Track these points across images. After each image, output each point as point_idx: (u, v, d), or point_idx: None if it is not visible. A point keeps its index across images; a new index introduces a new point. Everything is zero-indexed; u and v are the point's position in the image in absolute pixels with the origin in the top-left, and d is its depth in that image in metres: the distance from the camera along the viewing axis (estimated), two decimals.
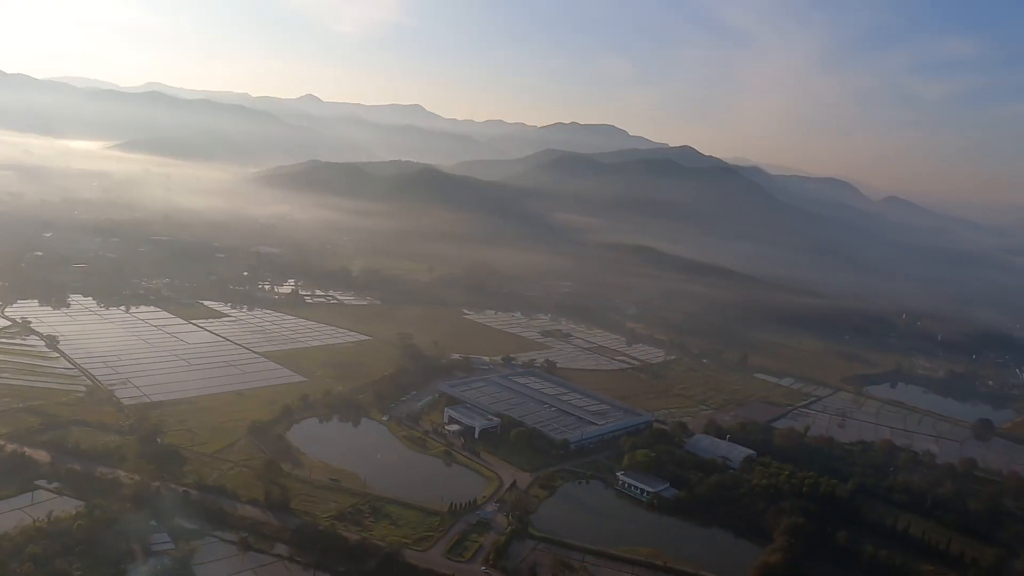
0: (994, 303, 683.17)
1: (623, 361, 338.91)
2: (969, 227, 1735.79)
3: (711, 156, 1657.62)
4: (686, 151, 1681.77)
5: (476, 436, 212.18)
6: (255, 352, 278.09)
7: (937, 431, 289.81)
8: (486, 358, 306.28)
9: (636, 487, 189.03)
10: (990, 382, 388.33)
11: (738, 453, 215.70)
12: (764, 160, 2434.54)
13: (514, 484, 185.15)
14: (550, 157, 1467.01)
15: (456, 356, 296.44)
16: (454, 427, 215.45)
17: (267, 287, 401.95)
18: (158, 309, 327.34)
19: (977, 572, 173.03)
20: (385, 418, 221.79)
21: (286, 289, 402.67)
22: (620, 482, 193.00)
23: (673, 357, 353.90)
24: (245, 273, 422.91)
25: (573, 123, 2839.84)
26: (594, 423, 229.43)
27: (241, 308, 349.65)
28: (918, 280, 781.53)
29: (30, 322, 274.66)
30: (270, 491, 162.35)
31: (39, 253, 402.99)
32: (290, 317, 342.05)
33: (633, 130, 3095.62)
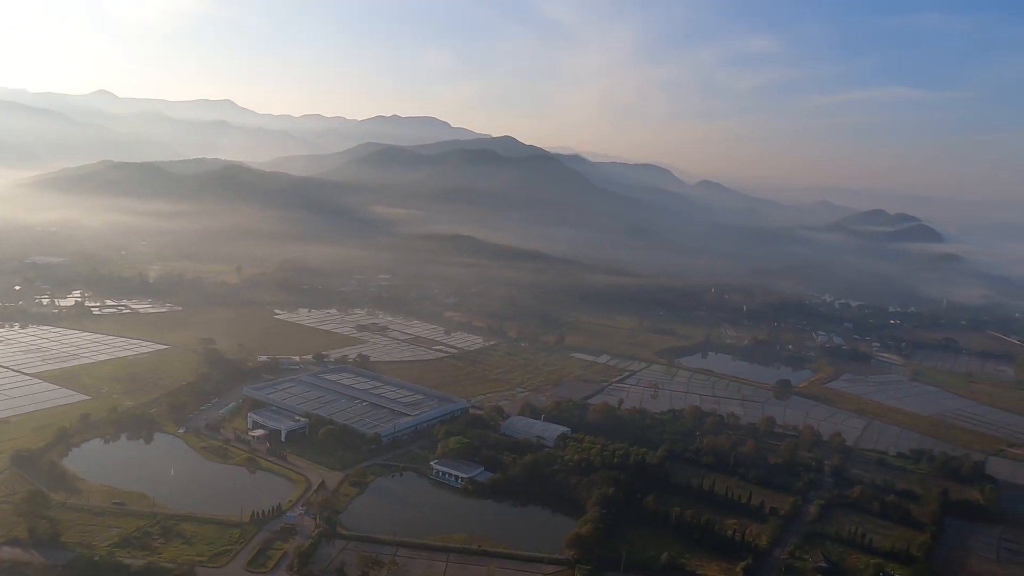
0: (794, 275, 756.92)
1: (440, 350, 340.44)
2: (774, 207, 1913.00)
3: (532, 145, 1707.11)
4: (507, 141, 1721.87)
5: (283, 439, 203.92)
6: (26, 374, 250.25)
7: (742, 395, 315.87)
8: (296, 358, 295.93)
9: (450, 474, 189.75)
10: (790, 346, 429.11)
11: (552, 432, 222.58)
12: (586, 148, 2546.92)
13: (323, 484, 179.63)
14: (369, 150, 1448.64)
15: (264, 358, 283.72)
16: (258, 432, 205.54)
17: (46, 301, 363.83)
18: None
19: (775, 519, 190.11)
20: (181, 430, 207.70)
21: (69, 302, 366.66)
22: (434, 471, 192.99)
23: (492, 343, 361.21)
24: (17, 287, 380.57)
25: (394, 116, 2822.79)
26: (407, 414, 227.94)
27: (11, 326, 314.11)
28: (727, 257, 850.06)
29: None
30: (35, 526, 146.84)
31: None
32: (73, 332, 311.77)
33: (456, 122, 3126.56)
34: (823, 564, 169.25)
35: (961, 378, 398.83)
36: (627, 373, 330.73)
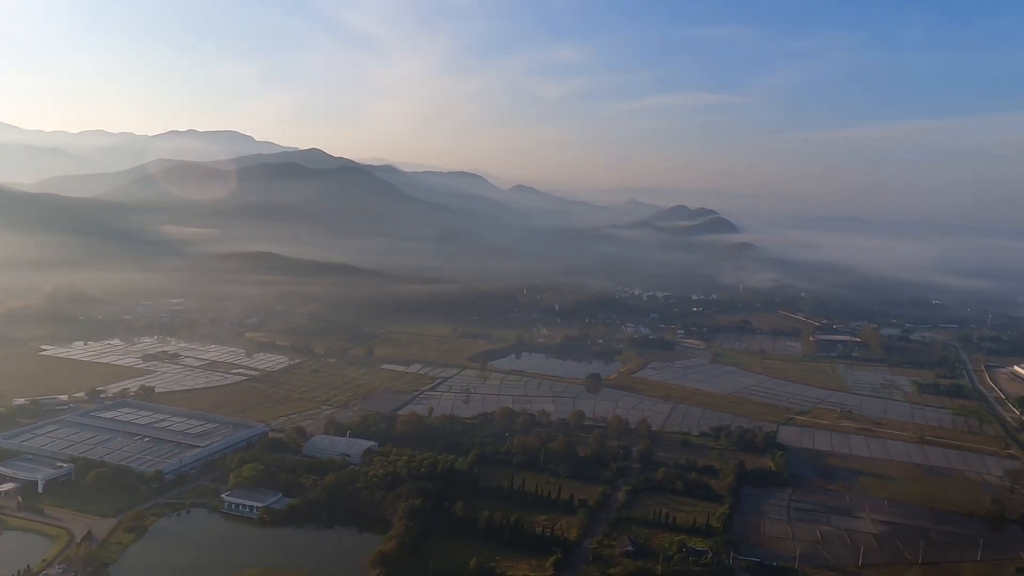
0: (604, 271, 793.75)
1: (240, 374, 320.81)
2: (587, 208, 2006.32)
3: (342, 157, 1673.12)
4: (314, 154, 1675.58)
5: (40, 490, 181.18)
6: None
7: (554, 392, 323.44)
8: (65, 397, 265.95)
9: (244, 505, 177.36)
10: (600, 340, 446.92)
11: (358, 448, 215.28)
12: (399, 159, 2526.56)
13: (88, 536, 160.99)
14: (160, 167, 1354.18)
15: (21, 401, 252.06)
16: (8, 486, 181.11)
17: None
18: None
19: (585, 511, 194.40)
20: None
21: None
22: (226, 504, 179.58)
23: (297, 361, 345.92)
24: None
25: (191, 130, 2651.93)
26: (196, 446, 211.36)
27: None
28: (541, 258, 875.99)
29: None
30: None
31: None
32: None
33: (261, 136, 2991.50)
34: (630, 548, 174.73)
35: (756, 356, 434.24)
36: (439, 380, 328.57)
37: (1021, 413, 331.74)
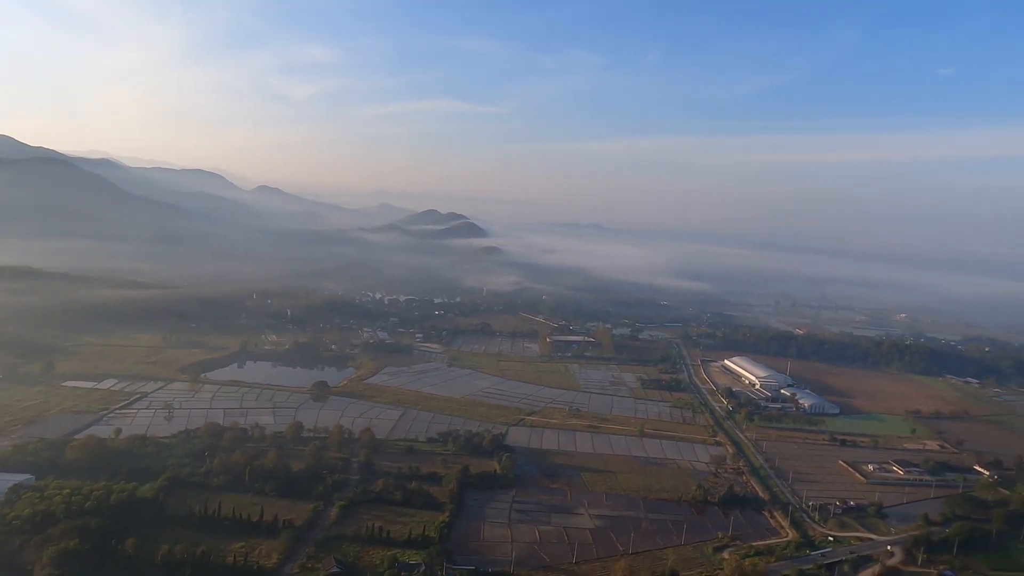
0: (345, 275, 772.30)
1: None
2: (337, 211, 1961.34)
3: (40, 147, 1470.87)
4: (3, 141, 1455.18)
5: None
6: None
7: (275, 403, 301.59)
8: None
9: None
10: (334, 346, 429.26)
11: (4, 484, 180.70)
12: (125, 153, 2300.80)
13: None
14: None
15: None
16: None
17: None
18: None
19: (290, 532, 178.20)
20: None
21: None
22: None
23: None
24: None
25: None
26: None
27: None
28: (279, 261, 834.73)
29: None
30: None
31: None
32: None
33: None
34: (335, 569, 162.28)
35: (493, 358, 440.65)
36: (137, 396, 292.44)
37: (728, 403, 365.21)
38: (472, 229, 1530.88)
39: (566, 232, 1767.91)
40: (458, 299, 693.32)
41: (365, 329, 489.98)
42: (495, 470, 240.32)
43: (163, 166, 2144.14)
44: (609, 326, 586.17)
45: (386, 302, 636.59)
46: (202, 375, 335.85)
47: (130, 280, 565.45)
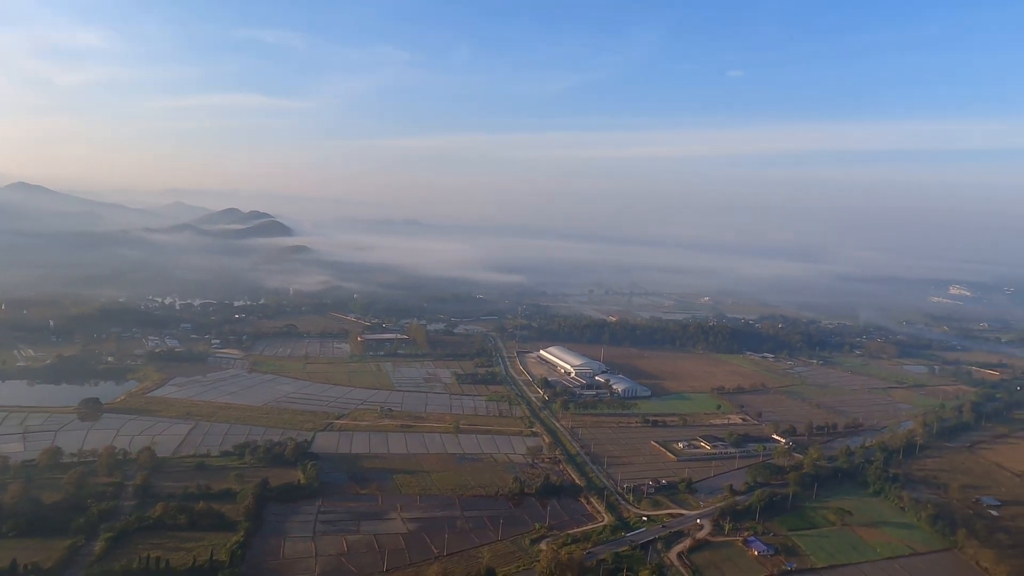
0: (127, 279, 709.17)
1: None
2: (119, 210, 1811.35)
3: None
4: None
5: None
6: None
7: (26, 427, 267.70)
8: None
9: None
10: (110, 358, 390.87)
11: None
12: None
13: None
14: None
15: None
16: None
17: None
18: None
19: None
20: None
21: None
22: None
23: None
24: None
25: None
26: None
27: None
28: (44, 267, 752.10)
29: None
30: None
31: None
32: None
33: None
34: None
35: (299, 361, 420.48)
36: None
37: (544, 393, 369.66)
38: (277, 228, 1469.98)
39: (381, 229, 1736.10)
40: (261, 301, 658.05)
41: (151, 337, 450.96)
42: (299, 480, 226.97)
43: None
44: (424, 322, 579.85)
45: (178, 307, 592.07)
46: None
47: None
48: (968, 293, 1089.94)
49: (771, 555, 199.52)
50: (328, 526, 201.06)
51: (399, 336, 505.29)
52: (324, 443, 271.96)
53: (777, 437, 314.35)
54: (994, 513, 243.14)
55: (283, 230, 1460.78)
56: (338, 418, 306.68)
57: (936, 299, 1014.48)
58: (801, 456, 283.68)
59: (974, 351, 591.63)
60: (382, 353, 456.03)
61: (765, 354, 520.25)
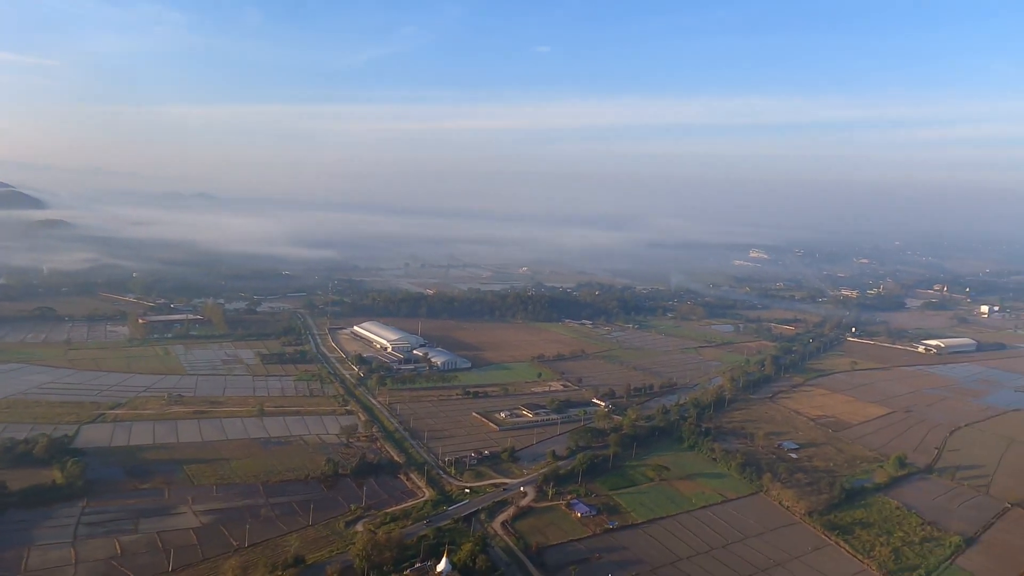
0: None
1: None
2: None
3: None
4: None
5: None
6: None
7: None
8: None
9: None
10: None
11: None
12: None
13: None
14: None
15: None
16: None
17: None
18: None
19: None
20: None
21: None
22: None
23: None
24: None
25: None
26: None
27: None
28: None
29: None
30: None
31: None
32: None
33: None
34: None
35: (59, 347, 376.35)
36: None
37: (359, 370, 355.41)
38: (21, 199, 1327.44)
39: (165, 203, 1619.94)
40: (1, 281, 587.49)
41: None
42: (55, 480, 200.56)
43: None
44: (221, 301, 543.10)
45: None
46: None
47: None
48: (766, 256, 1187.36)
49: (594, 515, 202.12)
50: (95, 528, 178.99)
51: (191, 316, 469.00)
52: (93, 436, 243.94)
53: (597, 401, 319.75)
54: (794, 456, 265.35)
55: (30, 202, 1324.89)
56: (112, 408, 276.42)
57: (738, 262, 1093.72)
58: (620, 418, 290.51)
59: (773, 309, 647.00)
60: (170, 335, 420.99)
61: (583, 321, 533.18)
